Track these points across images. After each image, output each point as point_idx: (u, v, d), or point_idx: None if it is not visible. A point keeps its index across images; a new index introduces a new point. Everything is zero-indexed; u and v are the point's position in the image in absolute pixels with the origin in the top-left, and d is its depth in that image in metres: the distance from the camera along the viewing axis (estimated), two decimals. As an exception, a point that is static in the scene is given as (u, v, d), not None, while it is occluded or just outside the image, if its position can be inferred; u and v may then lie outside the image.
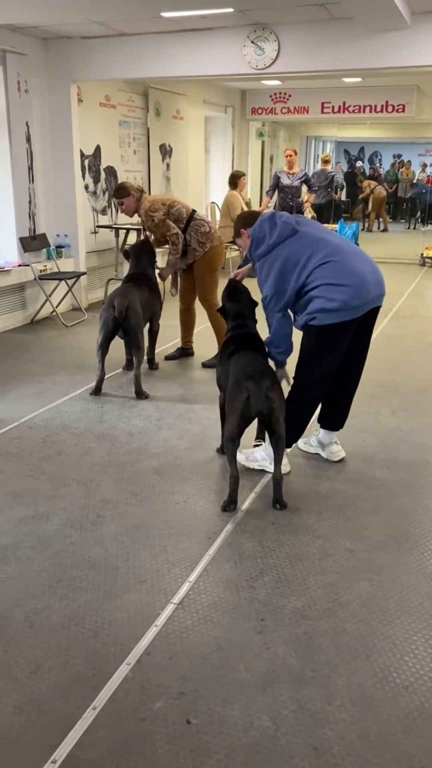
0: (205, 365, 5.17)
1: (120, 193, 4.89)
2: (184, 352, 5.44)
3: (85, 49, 6.44)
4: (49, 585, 2.48)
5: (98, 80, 6.90)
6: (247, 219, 3.32)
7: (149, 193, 8.44)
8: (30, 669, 2.06)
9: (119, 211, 5.31)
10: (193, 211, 5.01)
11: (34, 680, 2.02)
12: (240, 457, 3.34)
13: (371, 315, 3.20)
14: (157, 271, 4.99)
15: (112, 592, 2.44)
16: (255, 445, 3.55)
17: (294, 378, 3.27)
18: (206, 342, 5.41)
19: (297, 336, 3.21)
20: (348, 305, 3.02)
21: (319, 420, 3.56)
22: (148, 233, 5.13)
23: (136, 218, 5.18)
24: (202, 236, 4.89)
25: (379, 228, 15.89)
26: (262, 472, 3.38)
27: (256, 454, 3.43)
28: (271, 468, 3.24)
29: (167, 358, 5.35)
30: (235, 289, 3.48)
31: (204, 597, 2.41)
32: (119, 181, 7.92)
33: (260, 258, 3.19)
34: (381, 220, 16.05)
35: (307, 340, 3.19)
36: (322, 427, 3.57)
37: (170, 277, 5.11)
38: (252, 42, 5.96)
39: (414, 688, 2.00)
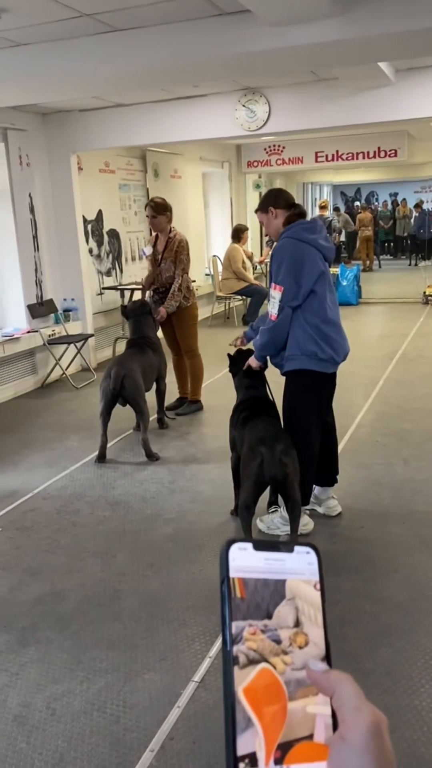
0: (179, 414, 5.35)
1: (159, 209, 5.23)
2: (183, 401, 5.56)
3: (83, 121, 6.69)
4: (70, 668, 2.47)
5: (97, 149, 7.14)
6: (281, 201, 3.26)
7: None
8: (53, 761, 2.04)
9: (151, 237, 5.60)
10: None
11: (58, 773, 2.00)
12: (261, 526, 3.39)
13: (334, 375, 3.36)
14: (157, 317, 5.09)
15: (133, 672, 2.42)
16: (272, 511, 3.53)
17: (293, 435, 3.24)
18: (215, 395, 5.46)
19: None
20: (335, 361, 3.22)
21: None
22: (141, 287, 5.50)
23: (140, 276, 5.32)
24: (187, 291, 5.21)
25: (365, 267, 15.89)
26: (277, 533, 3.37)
27: (275, 520, 3.41)
28: None
29: (168, 408, 5.37)
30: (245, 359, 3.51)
31: (225, 673, 2.38)
32: (122, 243, 8.12)
33: (283, 240, 3.16)
34: (369, 259, 16.05)
35: (294, 390, 3.24)
36: (316, 484, 3.52)
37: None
38: (243, 105, 6.17)
39: (443, 763, 1.96)
